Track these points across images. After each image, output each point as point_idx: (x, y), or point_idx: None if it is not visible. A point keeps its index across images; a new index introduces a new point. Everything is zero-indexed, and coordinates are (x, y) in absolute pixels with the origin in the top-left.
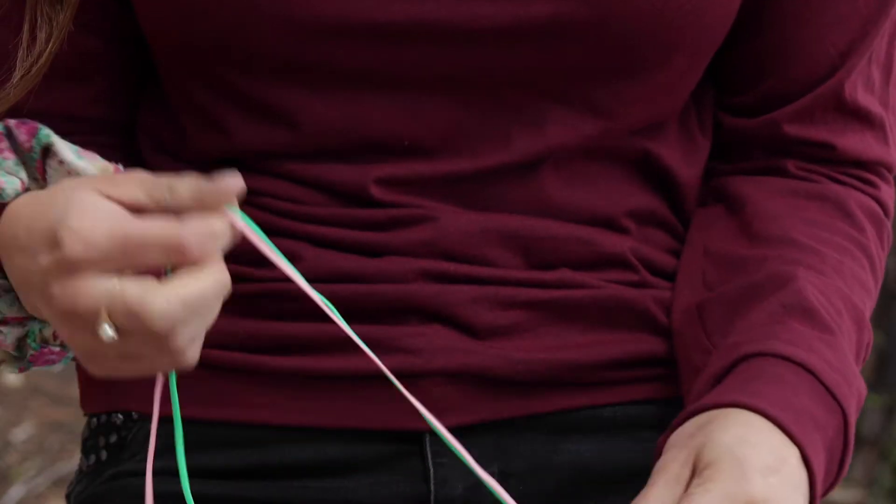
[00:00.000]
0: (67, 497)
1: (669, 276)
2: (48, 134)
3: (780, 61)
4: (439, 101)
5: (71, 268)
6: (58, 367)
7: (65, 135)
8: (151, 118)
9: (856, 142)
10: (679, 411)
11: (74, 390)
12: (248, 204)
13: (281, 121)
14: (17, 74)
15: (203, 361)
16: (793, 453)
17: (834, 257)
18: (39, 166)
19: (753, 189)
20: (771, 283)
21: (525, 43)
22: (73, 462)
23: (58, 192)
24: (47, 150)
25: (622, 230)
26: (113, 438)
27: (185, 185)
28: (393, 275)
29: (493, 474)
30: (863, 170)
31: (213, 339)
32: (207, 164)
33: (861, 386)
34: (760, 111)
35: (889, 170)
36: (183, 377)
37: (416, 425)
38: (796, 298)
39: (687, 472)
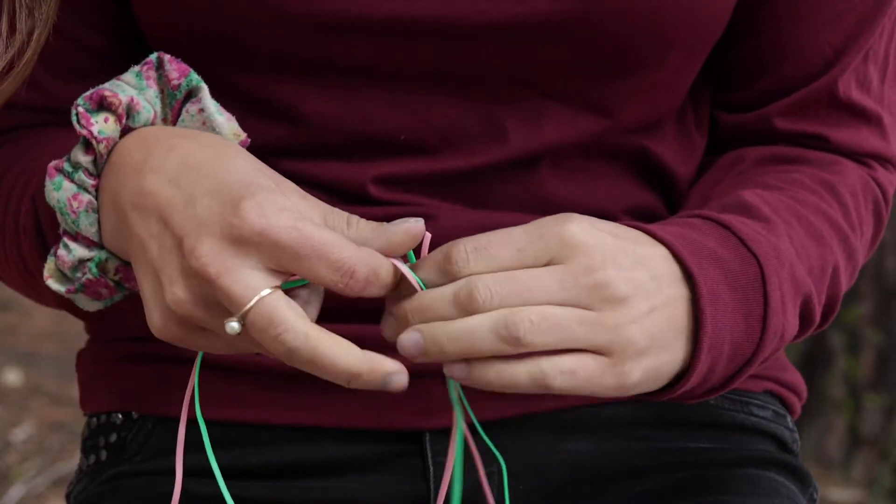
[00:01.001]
0: (67, 497)
1: None
2: (199, 79)
3: (775, 59)
4: (436, 97)
5: (238, 238)
6: (96, 306)
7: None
8: None
9: (850, 135)
10: (678, 410)
11: (74, 390)
12: None
13: (279, 116)
14: None
15: (204, 362)
16: (674, 268)
17: (792, 193)
18: (177, 107)
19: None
20: (717, 195)
21: (521, 39)
22: (72, 462)
23: (234, 151)
24: (190, 94)
25: None
26: (113, 438)
27: (366, 223)
28: None
29: (492, 473)
30: (859, 158)
31: None
32: None
33: (803, 281)
34: (754, 107)
35: (889, 162)
36: (183, 377)
37: (417, 425)
38: (735, 199)
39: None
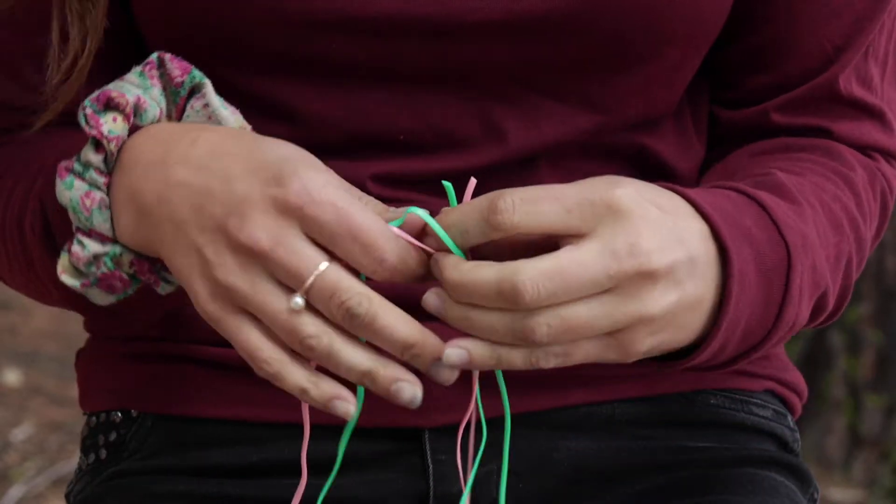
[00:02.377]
0: (67, 496)
1: None
2: (202, 75)
3: (774, 56)
4: (435, 96)
5: (284, 210)
6: (109, 300)
7: (68, 125)
8: None
9: (852, 128)
10: (679, 409)
11: (74, 391)
12: None
13: (276, 115)
14: (54, 76)
15: (203, 359)
16: (710, 247)
17: (813, 179)
18: (181, 104)
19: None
20: (744, 170)
21: (518, 37)
22: (72, 462)
23: (262, 137)
24: (194, 91)
25: None
26: (112, 437)
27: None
28: None
29: (492, 472)
30: (862, 150)
31: (214, 338)
32: None
33: (822, 272)
34: (753, 103)
35: (892, 156)
36: (184, 377)
37: (416, 423)
38: (768, 177)
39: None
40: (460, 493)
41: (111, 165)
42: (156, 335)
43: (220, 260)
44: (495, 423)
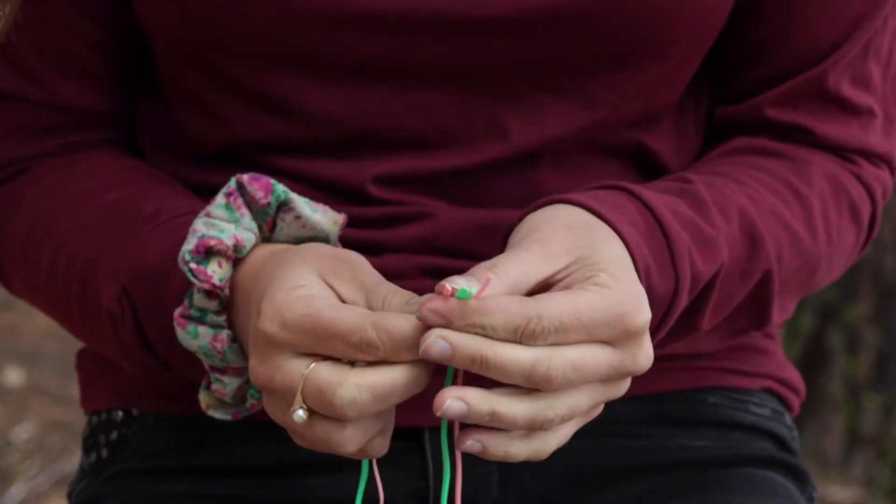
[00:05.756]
0: (69, 496)
1: None
2: (286, 190)
3: (771, 52)
4: (438, 93)
5: (267, 341)
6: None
7: (72, 129)
8: (151, 111)
9: (837, 130)
10: (677, 408)
11: (75, 390)
12: None
13: (279, 111)
14: None
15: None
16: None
17: (755, 187)
18: (270, 220)
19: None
20: (692, 170)
21: (523, 34)
22: (74, 461)
23: (278, 258)
24: (281, 206)
25: None
26: (114, 436)
27: (396, 294)
28: (391, 272)
29: (491, 472)
30: (844, 153)
31: None
32: (207, 158)
33: (704, 272)
34: (747, 97)
35: (880, 159)
36: (184, 376)
37: (415, 422)
38: (677, 183)
39: (565, 260)
40: (461, 493)
41: (226, 303)
42: None
43: (263, 398)
44: None
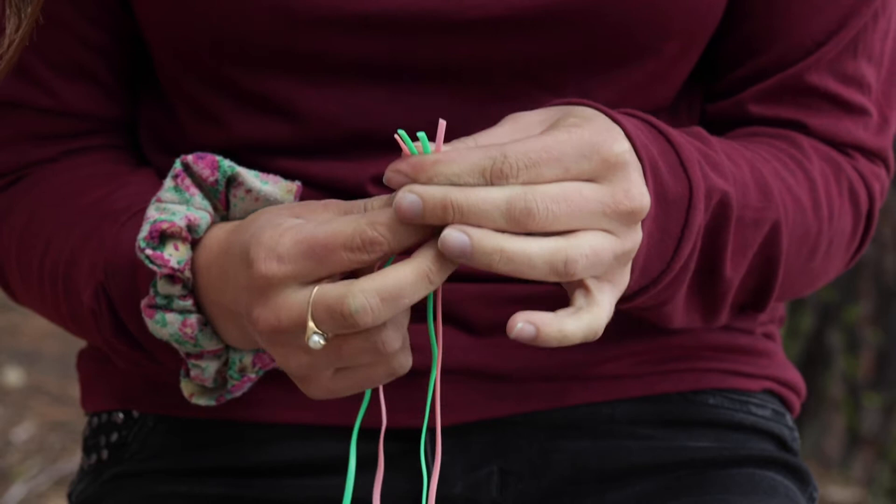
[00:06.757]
0: (69, 496)
1: None
2: (231, 165)
3: (758, 48)
4: (434, 91)
5: (267, 283)
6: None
7: (75, 135)
8: (151, 113)
9: (829, 123)
10: (678, 409)
11: (75, 390)
12: None
13: (277, 112)
14: None
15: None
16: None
17: (759, 153)
18: (223, 197)
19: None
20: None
21: (518, 32)
22: (74, 461)
23: (250, 218)
24: (230, 181)
25: None
26: (114, 437)
27: (378, 199)
28: None
29: (492, 473)
30: (839, 146)
31: None
32: None
33: (718, 185)
34: (731, 94)
35: (876, 155)
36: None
37: (413, 423)
38: (693, 130)
39: (539, 128)
40: (460, 494)
41: (190, 286)
42: None
43: (276, 354)
44: (497, 424)
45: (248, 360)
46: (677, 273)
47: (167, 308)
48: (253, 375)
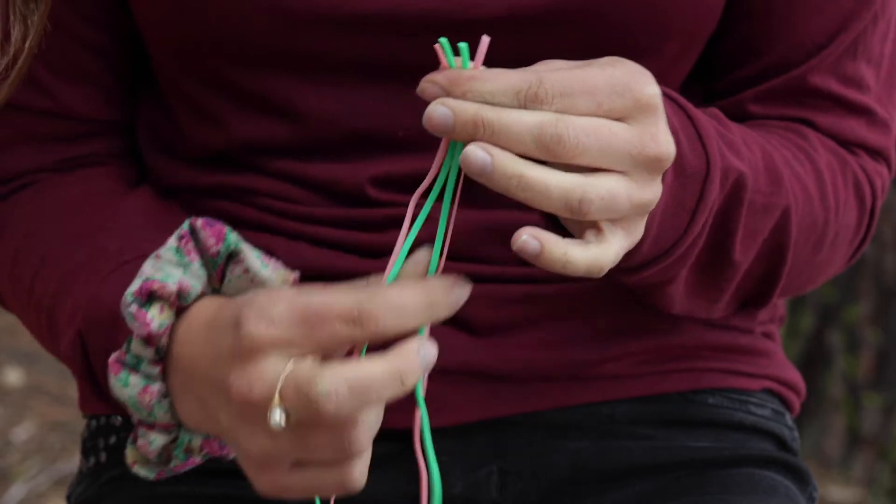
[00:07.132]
0: (68, 498)
1: None
2: (237, 240)
3: (758, 49)
4: None
5: (251, 345)
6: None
7: (75, 139)
8: (150, 114)
9: (834, 122)
10: (678, 409)
11: (75, 390)
12: (245, 204)
13: (275, 112)
14: None
15: None
16: None
17: (769, 139)
18: (220, 270)
19: None
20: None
21: (519, 32)
22: (73, 462)
23: (246, 296)
24: (231, 256)
25: None
26: (112, 440)
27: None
28: None
29: (491, 473)
30: (842, 144)
31: None
32: (204, 160)
33: (734, 165)
34: (730, 94)
35: (880, 155)
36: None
37: (412, 424)
38: (708, 110)
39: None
40: (460, 495)
41: (162, 353)
42: None
43: (239, 432)
44: (497, 424)
45: (196, 442)
46: (688, 247)
47: (134, 369)
48: (198, 459)
